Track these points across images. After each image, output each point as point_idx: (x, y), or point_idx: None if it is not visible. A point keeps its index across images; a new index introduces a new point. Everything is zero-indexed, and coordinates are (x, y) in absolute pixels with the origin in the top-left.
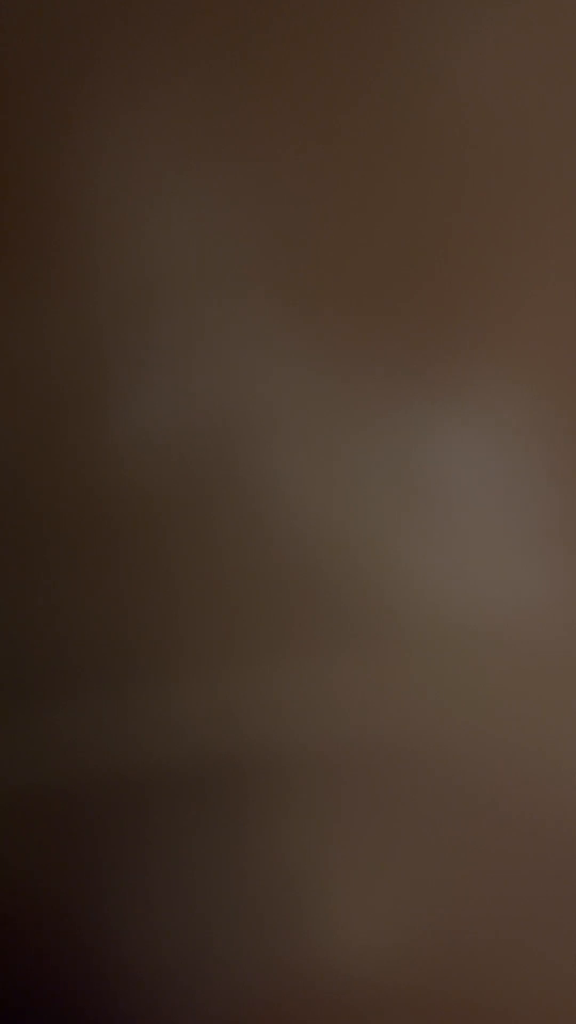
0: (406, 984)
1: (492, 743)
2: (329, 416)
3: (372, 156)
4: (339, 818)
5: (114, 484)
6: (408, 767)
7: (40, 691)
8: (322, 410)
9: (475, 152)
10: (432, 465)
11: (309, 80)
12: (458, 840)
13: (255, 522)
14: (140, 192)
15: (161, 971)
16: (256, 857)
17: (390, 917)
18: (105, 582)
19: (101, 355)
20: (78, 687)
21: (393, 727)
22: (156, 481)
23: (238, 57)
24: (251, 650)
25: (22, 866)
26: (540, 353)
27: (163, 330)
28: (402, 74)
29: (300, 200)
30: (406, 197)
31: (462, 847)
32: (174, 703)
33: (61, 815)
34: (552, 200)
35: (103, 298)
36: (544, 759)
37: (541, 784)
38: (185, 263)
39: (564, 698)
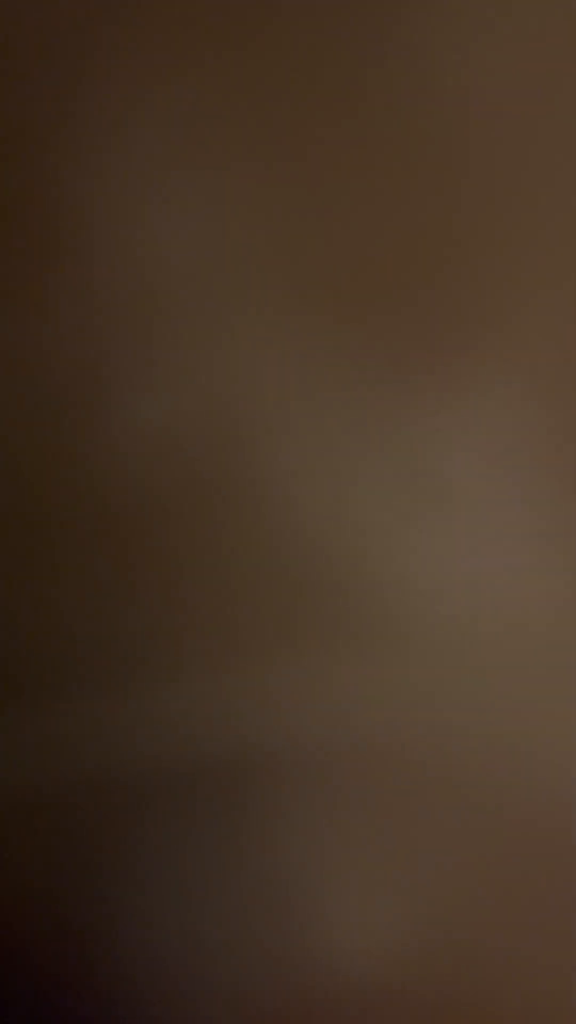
0: (406, 987)
1: (492, 744)
2: (331, 417)
3: (374, 157)
4: (338, 819)
5: (116, 484)
6: (408, 767)
7: (39, 691)
8: (324, 411)
9: (476, 155)
10: (434, 465)
11: (309, 84)
12: (458, 841)
13: (256, 523)
14: (141, 193)
15: (159, 973)
16: (255, 858)
17: (389, 919)
18: (105, 582)
19: (103, 355)
20: (77, 687)
21: (393, 727)
22: (157, 481)
23: (238, 59)
24: (251, 650)
25: (19, 866)
26: (541, 353)
27: (165, 331)
28: (404, 77)
29: (301, 202)
30: (408, 197)
31: (462, 848)
32: (174, 703)
33: (59, 815)
34: (553, 204)
35: (105, 298)
36: (545, 759)
37: (542, 785)
38: (186, 264)
39: (565, 699)
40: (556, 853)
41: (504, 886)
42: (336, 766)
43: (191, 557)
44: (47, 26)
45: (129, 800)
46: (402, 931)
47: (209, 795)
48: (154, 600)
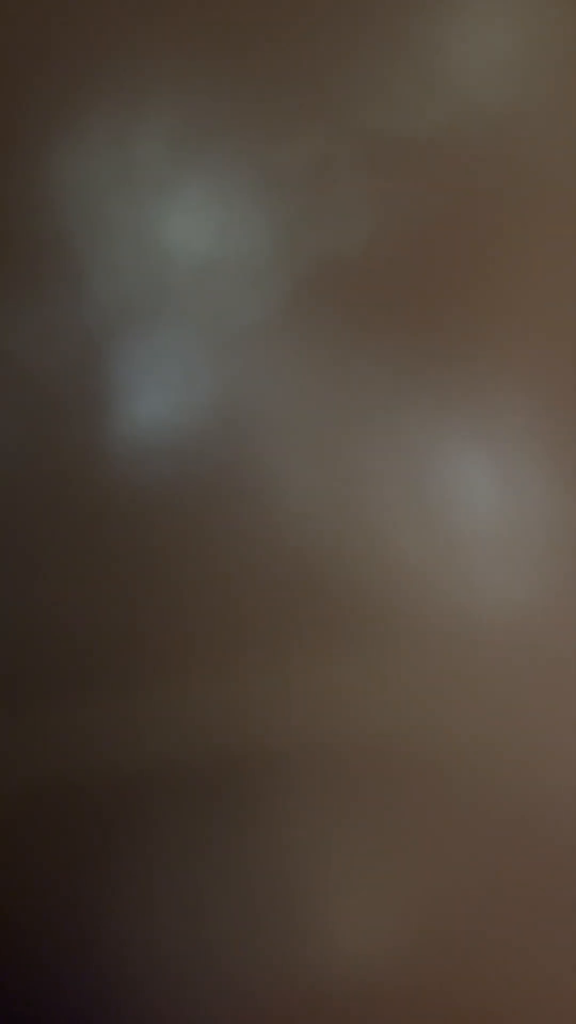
0: (406, 990)
1: (494, 748)
2: (334, 419)
3: (378, 155)
4: (341, 819)
5: (118, 482)
6: (410, 771)
7: (45, 690)
8: (327, 413)
9: (482, 154)
10: (435, 468)
11: (314, 81)
12: (460, 845)
13: (258, 524)
14: (144, 192)
15: (161, 974)
16: (257, 857)
17: (390, 920)
18: (109, 582)
19: (102, 354)
20: (82, 686)
21: (396, 731)
22: (160, 481)
23: (242, 44)
24: (254, 651)
25: (23, 865)
26: (544, 358)
27: (165, 331)
28: (410, 77)
29: (305, 202)
30: (412, 197)
31: (464, 852)
32: (177, 704)
33: (63, 814)
34: (558, 207)
35: (104, 297)
36: (546, 764)
37: (543, 789)
38: (187, 262)
39: (566, 704)
40: (559, 858)
41: (508, 890)
42: (340, 768)
43: (193, 557)
44: (46, 17)
45: (133, 801)
46: (403, 932)
47: (212, 795)
48: (159, 601)
